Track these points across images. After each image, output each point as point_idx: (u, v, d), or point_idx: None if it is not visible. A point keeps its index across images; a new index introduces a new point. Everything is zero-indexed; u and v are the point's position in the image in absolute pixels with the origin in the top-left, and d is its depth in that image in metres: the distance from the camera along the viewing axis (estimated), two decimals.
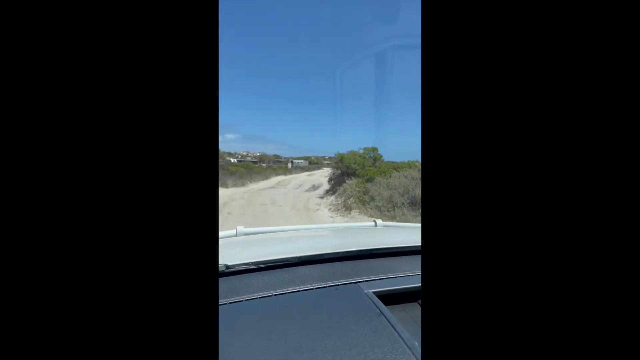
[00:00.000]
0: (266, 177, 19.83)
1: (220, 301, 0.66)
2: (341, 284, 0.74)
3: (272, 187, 14.89)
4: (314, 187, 15.00)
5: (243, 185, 14.85)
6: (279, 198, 10.79)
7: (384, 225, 1.49)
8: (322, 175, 22.26)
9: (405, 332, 0.56)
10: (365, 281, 0.76)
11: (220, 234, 1.23)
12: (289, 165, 45.65)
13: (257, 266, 0.85)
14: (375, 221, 1.46)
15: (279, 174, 23.91)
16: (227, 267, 0.81)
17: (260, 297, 0.68)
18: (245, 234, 1.25)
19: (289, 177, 23.70)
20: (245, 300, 0.68)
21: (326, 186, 13.69)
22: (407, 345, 0.52)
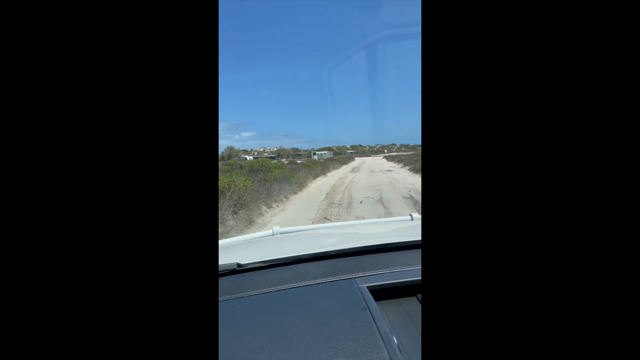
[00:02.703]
0: (335, 168, 19.51)
1: (228, 297, 0.70)
2: (338, 280, 0.75)
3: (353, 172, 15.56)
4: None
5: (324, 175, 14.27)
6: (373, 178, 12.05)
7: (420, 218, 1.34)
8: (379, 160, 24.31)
9: (385, 326, 0.57)
10: (362, 276, 0.76)
11: (258, 234, 1.33)
12: (315, 157, 38.70)
13: (265, 264, 0.87)
14: (411, 215, 1.43)
15: (337, 167, 22.59)
16: (239, 265, 0.84)
17: (262, 293, 0.71)
18: (281, 233, 1.30)
19: (353, 165, 24.13)
20: (247, 296, 0.70)
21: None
22: (382, 339, 0.54)
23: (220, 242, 1.22)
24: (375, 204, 7.53)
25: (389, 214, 6.29)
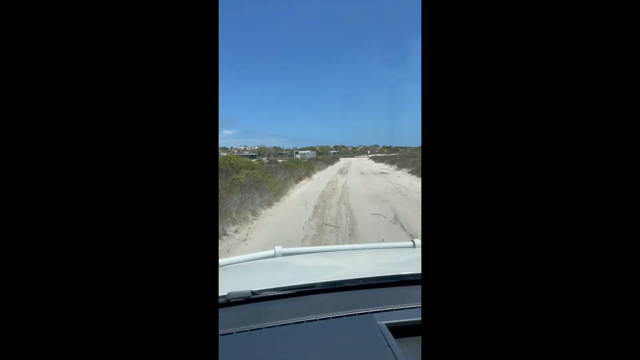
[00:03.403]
0: (320, 169, 17.77)
1: (241, 328, 0.68)
2: (356, 314, 0.73)
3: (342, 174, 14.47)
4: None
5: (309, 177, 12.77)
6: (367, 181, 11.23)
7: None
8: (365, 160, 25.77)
9: None
10: (380, 311, 0.74)
11: (259, 254, 1.26)
12: (297, 156, 36.15)
13: (280, 293, 0.85)
14: (413, 241, 1.33)
15: (322, 167, 20.52)
16: (253, 293, 0.82)
17: (279, 325, 0.69)
18: (284, 254, 1.25)
19: (339, 165, 23.19)
20: (265, 327, 0.69)
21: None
22: None
23: (220, 260, 1.15)
24: (391, 225, 4.87)
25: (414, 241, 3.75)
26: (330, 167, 21.91)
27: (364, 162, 29.56)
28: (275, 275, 1.10)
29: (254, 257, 1.25)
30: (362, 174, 16.34)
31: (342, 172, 17.57)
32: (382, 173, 15.96)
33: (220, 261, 1.16)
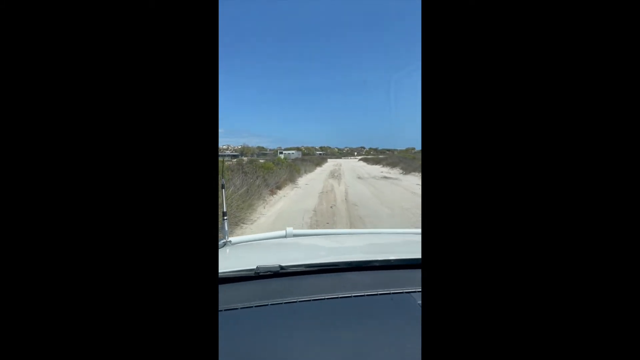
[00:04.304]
0: (308, 171, 15.08)
1: (275, 300, 0.68)
2: (393, 293, 0.72)
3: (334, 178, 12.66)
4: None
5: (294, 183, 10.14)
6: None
7: None
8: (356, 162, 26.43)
9: None
10: (418, 292, 0.72)
11: (270, 234, 1.29)
12: (281, 156, 36.87)
13: (309, 268, 0.84)
14: None
15: (309, 168, 17.46)
16: (282, 267, 0.81)
17: (313, 300, 0.69)
18: (294, 235, 1.28)
19: (329, 167, 21.15)
20: (300, 301, 0.68)
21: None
22: None
23: (233, 238, 1.19)
24: None
25: None
26: (318, 169, 18.37)
27: (355, 164, 26.19)
28: (295, 253, 1.11)
29: (266, 236, 1.28)
30: (359, 178, 12.94)
31: (334, 175, 14.10)
32: (386, 178, 12.59)
33: (233, 239, 1.19)
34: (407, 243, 1.26)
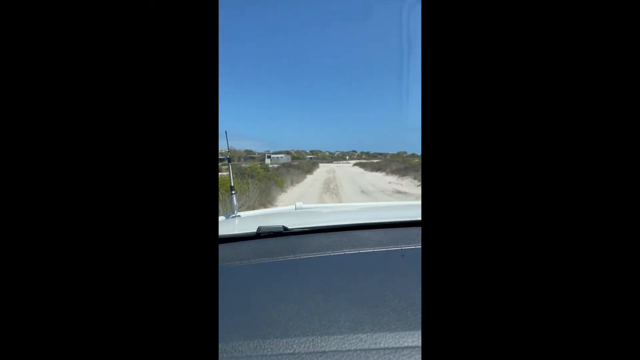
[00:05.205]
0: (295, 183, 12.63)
1: (278, 258, 0.66)
2: (405, 248, 0.69)
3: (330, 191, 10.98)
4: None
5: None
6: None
7: None
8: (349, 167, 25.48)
9: None
10: None
11: (281, 208, 1.38)
12: (268, 160, 34.75)
13: (315, 229, 0.83)
14: None
15: (299, 178, 14.50)
16: (285, 229, 0.80)
17: (318, 256, 0.66)
18: (304, 209, 1.28)
19: (321, 174, 19.05)
20: (302, 258, 0.65)
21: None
22: None
23: (242, 213, 1.21)
24: None
25: None
26: (309, 179, 14.96)
27: (352, 171, 22.78)
28: (304, 219, 1.07)
29: (276, 210, 1.34)
30: (364, 194, 9.65)
31: (329, 188, 10.77)
32: (401, 193, 9.29)
33: (242, 214, 1.20)
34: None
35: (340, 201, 8.10)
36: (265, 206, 6.58)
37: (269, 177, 9.20)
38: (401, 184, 11.70)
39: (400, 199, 8.24)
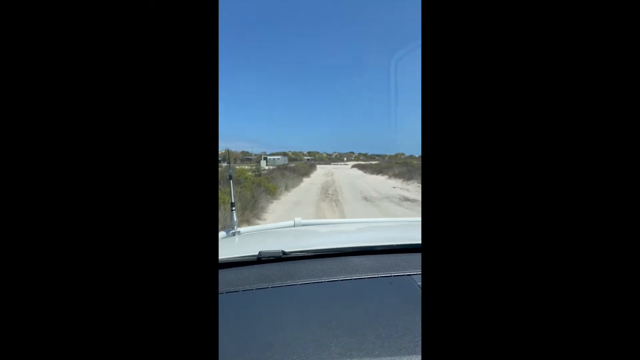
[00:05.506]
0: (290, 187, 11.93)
1: (277, 283, 0.69)
2: (393, 276, 0.73)
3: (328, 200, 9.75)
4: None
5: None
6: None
7: None
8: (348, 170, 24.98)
9: None
10: (419, 274, 0.73)
11: (280, 224, 1.35)
12: (263, 162, 33.90)
13: (311, 254, 0.86)
14: None
15: (294, 182, 13.10)
16: (284, 253, 0.83)
17: (313, 283, 0.69)
18: (303, 225, 1.31)
19: (319, 177, 18.11)
20: (299, 284, 0.69)
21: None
22: None
23: (242, 229, 1.22)
24: None
25: None
26: (306, 182, 13.82)
27: (350, 173, 21.68)
28: (301, 240, 1.12)
29: (274, 226, 1.34)
30: (366, 200, 8.54)
31: (327, 194, 9.64)
32: (408, 200, 8.18)
33: (242, 229, 1.23)
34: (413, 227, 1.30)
35: (341, 210, 6.99)
36: (249, 222, 5.43)
37: (258, 182, 8.01)
38: (407, 189, 10.60)
39: (409, 208, 7.15)
